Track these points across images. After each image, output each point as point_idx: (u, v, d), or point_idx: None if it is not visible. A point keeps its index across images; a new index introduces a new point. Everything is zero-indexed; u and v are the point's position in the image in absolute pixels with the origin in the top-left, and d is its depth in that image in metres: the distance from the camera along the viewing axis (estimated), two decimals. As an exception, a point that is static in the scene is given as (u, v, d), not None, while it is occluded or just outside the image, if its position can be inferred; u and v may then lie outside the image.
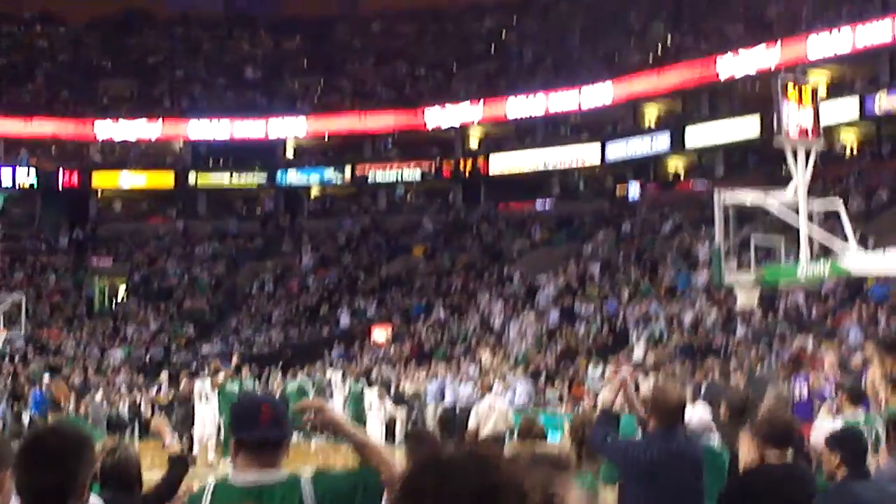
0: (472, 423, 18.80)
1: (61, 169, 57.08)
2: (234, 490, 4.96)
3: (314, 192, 59.93)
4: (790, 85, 17.82)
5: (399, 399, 32.88)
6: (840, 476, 6.94)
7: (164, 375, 35.69)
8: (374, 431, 26.30)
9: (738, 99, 49.38)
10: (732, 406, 10.46)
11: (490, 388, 20.15)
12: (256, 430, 4.93)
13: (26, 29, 64.17)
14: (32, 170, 56.03)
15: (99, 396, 35.38)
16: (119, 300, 53.20)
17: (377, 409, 27.22)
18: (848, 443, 7.31)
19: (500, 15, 62.32)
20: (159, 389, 35.21)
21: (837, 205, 18.96)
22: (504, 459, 3.19)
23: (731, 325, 33.30)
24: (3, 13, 62.67)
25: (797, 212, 17.80)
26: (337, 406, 32.18)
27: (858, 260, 17.97)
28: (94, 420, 30.42)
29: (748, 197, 19.14)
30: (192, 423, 26.84)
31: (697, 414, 11.94)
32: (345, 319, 47.81)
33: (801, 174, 17.64)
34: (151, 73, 62.82)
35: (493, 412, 18.51)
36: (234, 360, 29.93)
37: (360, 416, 31.13)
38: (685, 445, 7.72)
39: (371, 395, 27.01)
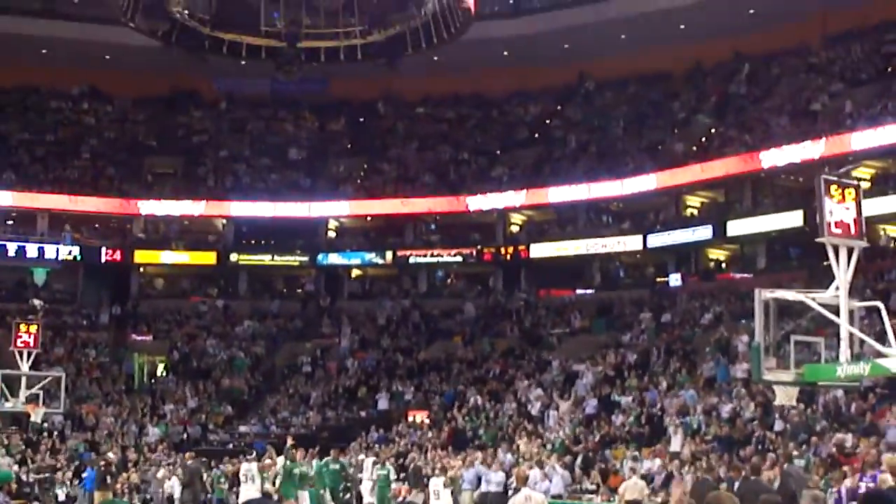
0: None
1: (104, 245, 57.45)
2: None
3: (355, 272, 60.06)
4: (833, 186, 17.78)
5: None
6: None
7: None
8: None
9: (781, 190, 49.36)
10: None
11: (525, 480, 19.88)
12: None
13: (74, 105, 64.85)
14: (76, 246, 56.39)
15: (161, 473, 35.46)
16: (158, 377, 53.32)
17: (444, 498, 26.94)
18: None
19: (545, 102, 62.57)
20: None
21: (879, 305, 18.82)
22: None
23: (769, 419, 32.99)
24: (51, 89, 63.42)
25: (838, 311, 17.70)
26: (365, 490, 32.19)
27: (899, 360, 17.81)
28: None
29: (789, 294, 19.04)
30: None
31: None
32: (383, 402, 47.76)
33: (843, 273, 17.54)
34: (196, 151, 63.35)
35: (529, 502, 18.26)
36: (290, 440, 29.98)
37: (385, 501, 31.09)
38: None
39: (437, 484, 26.80)
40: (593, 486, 31.85)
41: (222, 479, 36.00)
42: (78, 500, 34.51)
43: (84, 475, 35.34)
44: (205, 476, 35.15)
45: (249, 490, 28.04)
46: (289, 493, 27.50)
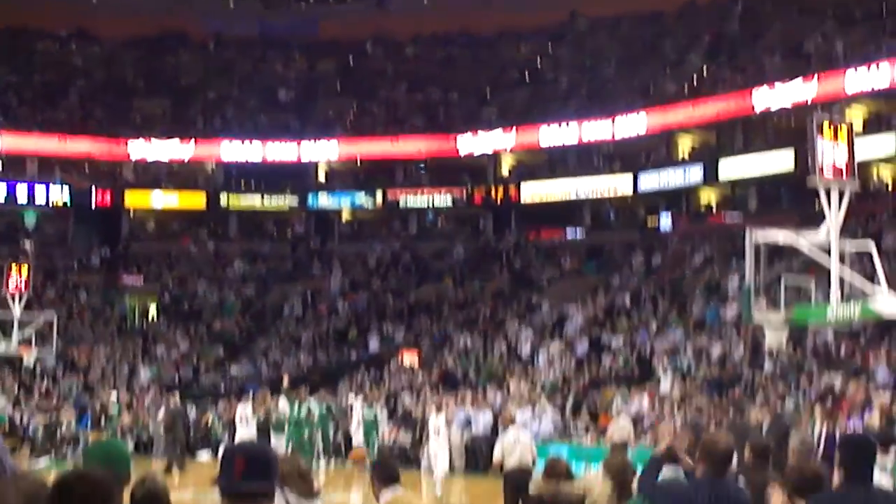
0: (496, 455, 18.75)
1: (94, 188, 57.34)
2: None
3: (345, 215, 60.03)
4: (825, 124, 17.75)
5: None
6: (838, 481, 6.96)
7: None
8: (441, 459, 26.16)
9: (773, 132, 49.25)
10: (756, 450, 10.44)
11: (513, 421, 20.05)
12: (228, 481, 4.93)
13: (62, 47, 64.50)
14: (65, 188, 56.29)
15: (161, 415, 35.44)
16: (149, 320, 53.38)
17: (444, 436, 26.97)
18: (850, 448, 7.29)
19: (536, 42, 62.29)
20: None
21: (870, 246, 18.85)
22: None
23: (759, 360, 33.15)
24: (39, 31, 63.01)
25: (829, 251, 17.72)
26: (354, 432, 32.26)
27: (889, 303, 17.86)
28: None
29: (780, 236, 19.07)
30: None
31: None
32: (373, 344, 47.85)
33: (834, 215, 17.57)
34: (185, 93, 63.04)
35: (517, 445, 18.43)
36: (286, 381, 30.04)
37: (371, 442, 31.19)
38: (734, 493, 7.70)
39: (438, 421, 26.83)
40: (583, 427, 32.05)
41: (217, 422, 36.17)
42: (80, 441, 34.52)
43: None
44: (192, 418, 35.30)
45: (246, 432, 28.25)
46: (298, 435, 27.71)
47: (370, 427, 31.39)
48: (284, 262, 57.40)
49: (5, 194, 55.46)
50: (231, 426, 32.73)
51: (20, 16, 60.38)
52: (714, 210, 52.39)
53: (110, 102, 61.06)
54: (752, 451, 10.48)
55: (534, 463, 18.11)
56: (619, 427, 27.11)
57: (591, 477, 11.67)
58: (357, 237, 59.15)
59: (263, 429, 28.78)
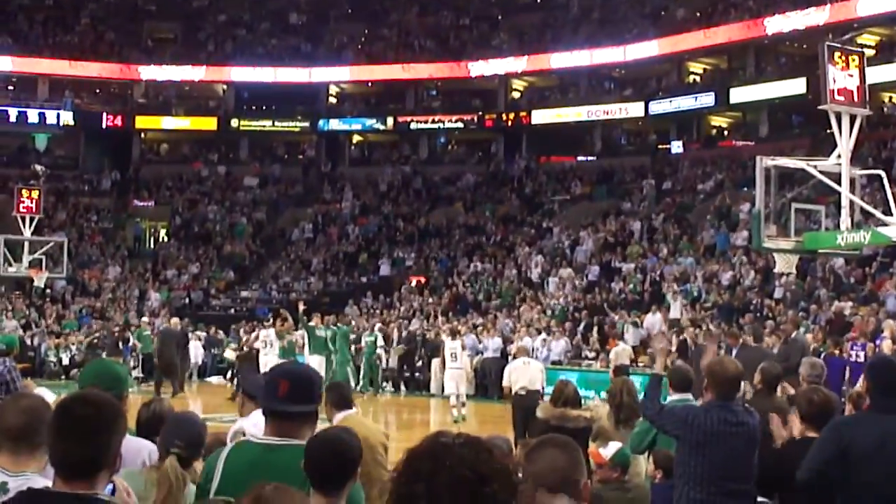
0: (505, 380, 18.91)
1: (105, 111, 57.34)
2: (255, 445, 5.29)
3: (356, 139, 60.00)
4: (837, 51, 17.66)
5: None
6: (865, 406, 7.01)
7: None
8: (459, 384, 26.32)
9: (785, 57, 49.06)
10: (767, 378, 10.49)
11: (526, 352, 20.19)
12: (272, 402, 5.26)
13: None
14: (77, 111, 56.26)
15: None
16: (160, 243, 53.55)
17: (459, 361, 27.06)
18: (880, 370, 7.35)
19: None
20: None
21: (881, 173, 18.83)
22: (496, 447, 3.33)
23: (769, 287, 33.22)
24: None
25: (840, 178, 17.70)
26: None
27: (899, 229, 17.86)
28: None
29: (790, 162, 19.04)
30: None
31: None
32: (384, 268, 47.98)
33: (846, 141, 17.52)
34: (196, 16, 62.72)
35: (526, 368, 18.61)
36: (301, 305, 29.91)
37: (373, 367, 31.26)
38: (743, 416, 7.75)
39: (454, 346, 26.89)
40: (592, 354, 32.23)
41: (232, 345, 36.33)
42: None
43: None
44: (192, 341, 35.32)
45: (270, 355, 28.37)
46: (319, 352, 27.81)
47: (371, 352, 31.40)
48: (295, 186, 57.43)
49: (16, 116, 55.47)
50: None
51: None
52: (725, 135, 52.33)
53: (121, 25, 60.77)
54: (763, 380, 10.54)
55: (543, 388, 18.21)
56: (620, 350, 27.34)
57: (599, 402, 11.80)
58: (368, 161, 59.23)
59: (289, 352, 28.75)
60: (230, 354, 36.06)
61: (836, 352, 21.73)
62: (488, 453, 3.29)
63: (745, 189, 36.60)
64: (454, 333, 28.11)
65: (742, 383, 8.80)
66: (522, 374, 18.38)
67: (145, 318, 35.74)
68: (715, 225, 40.75)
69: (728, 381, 7.88)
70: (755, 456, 7.73)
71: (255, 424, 7.18)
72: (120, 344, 32.57)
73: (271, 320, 32.69)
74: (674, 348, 26.02)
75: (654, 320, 32.47)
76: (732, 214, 40.21)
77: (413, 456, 3.31)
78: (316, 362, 26.26)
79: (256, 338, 31.28)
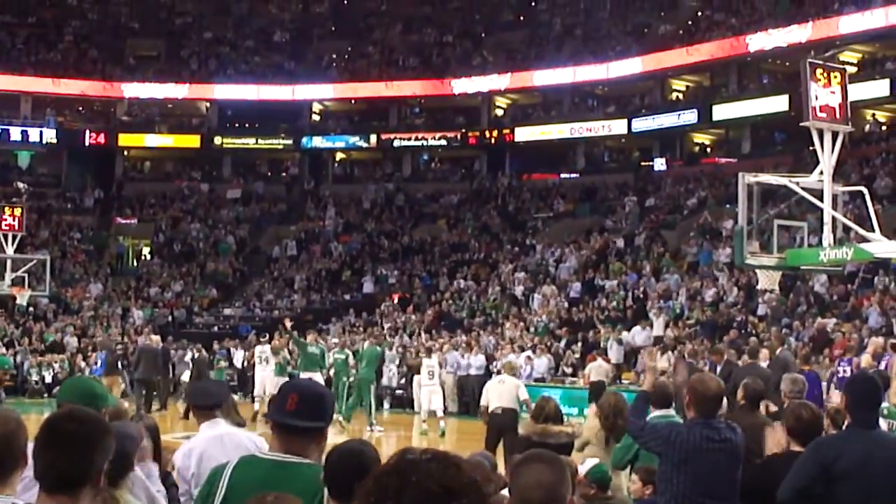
0: (483, 399, 18.85)
1: (88, 128, 57.31)
2: (263, 460, 5.33)
3: (339, 156, 60.06)
4: (819, 69, 17.73)
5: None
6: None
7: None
8: (435, 400, 26.47)
9: (768, 74, 49.23)
10: (750, 394, 10.50)
11: (513, 370, 20.30)
12: (281, 416, 5.26)
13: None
14: (59, 128, 56.23)
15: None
16: (142, 260, 53.44)
17: (437, 377, 27.11)
18: (857, 388, 7.36)
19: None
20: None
21: (863, 190, 18.89)
22: (465, 462, 3.34)
23: (753, 304, 33.29)
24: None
25: (822, 195, 17.75)
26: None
27: (882, 246, 17.93)
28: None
29: (772, 179, 19.09)
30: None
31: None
32: (367, 286, 47.94)
33: (828, 158, 17.57)
34: (179, 34, 62.76)
35: (502, 387, 18.61)
36: (287, 322, 29.82)
37: (341, 386, 30.63)
38: (726, 433, 7.75)
39: (431, 363, 26.93)
40: (570, 370, 32.28)
41: (221, 361, 36.20)
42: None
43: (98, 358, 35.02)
44: (173, 357, 35.16)
45: (265, 371, 28.63)
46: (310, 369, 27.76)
47: (341, 370, 30.81)
48: (278, 204, 57.40)
49: (0, 135, 55.36)
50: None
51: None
52: (708, 152, 52.49)
53: (105, 43, 60.76)
54: (745, 395, 10.56)
55: (522, 406, 18.23)
56: (597, 366, 27.52)
57: (590, 415, 11.78)
58: (351, 178, 59.25)
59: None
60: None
61: (810, 368, 21.72)
62: (456, 468, 3.29)
63: (728, 206, 36.67)
64: (429, 351, 28.23)
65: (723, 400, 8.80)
66: (498, 393, 18.34)
67: (155, 337, 35.51)
68: (698, 242, 40.82)
69: (710, 399, 7.89)
70: (738, 472, 7.73)
71: (206, 439, 7.14)
72: (119, 363, 32.51)
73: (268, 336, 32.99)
74: (661, 365, 26.03)
75: (642, 335, 32.55)
76: (715, 231, 40.29)
77: (381, 473, 3.33)
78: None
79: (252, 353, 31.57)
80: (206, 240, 53.87)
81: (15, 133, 55.71)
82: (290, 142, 58.69)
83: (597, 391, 27.57)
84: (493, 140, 55.60)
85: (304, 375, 26.35)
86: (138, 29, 62.56)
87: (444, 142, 56.77)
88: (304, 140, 58.39)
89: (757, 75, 49.84)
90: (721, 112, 49.04)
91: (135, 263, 53.17)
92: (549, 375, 31.69)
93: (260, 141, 58.79)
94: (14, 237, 35.92)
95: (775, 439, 7.91)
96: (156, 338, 34.57)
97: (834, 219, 17.78)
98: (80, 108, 59.04)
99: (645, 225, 45.30)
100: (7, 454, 4.47)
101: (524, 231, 49.37)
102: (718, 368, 19.51)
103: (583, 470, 8.23)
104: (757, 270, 19.42)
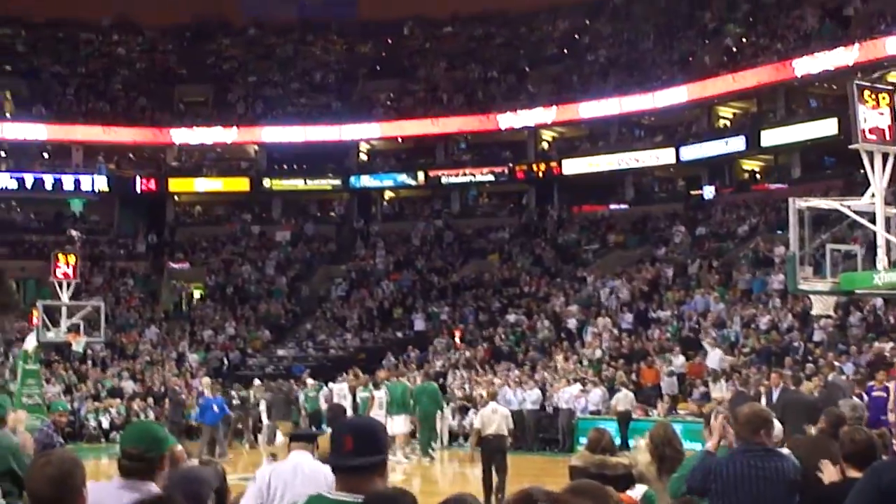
0: (475, 425, 20.96)
1: (138, 175, 57.85)
2: (329, 501, 5.31)
3: (387, 195, 60.23)
4: (866, 90, 17.63)
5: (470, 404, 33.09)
6: None
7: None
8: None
9: (815, 98, 48.97)
10: (832, 421, 10.42)
11: (494, 397, 23.65)
12: (339, 459, 5.28)
13: (104, 37, 64.96)
14: (111, 176, 56.83)
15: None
16: (195, 304, 53.69)
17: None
18: None
19: (573, 17, 62.06)
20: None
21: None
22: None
23: (808, 330, 33.01)
24: (81, 22, 63.44)
25: (875, 217, 17.62)
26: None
27: (937, 267, 17.75)
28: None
29: (823, 203, 18.97)
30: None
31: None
32: (419, 323, 47.91)
33: (878, 179, 17.45)
34: (226, 78, 63.37)
35: (494, 415, 20.32)
36: (353, 371, 30.06)
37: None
38: (773, 461, 7.68)
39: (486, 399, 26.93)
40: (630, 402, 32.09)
41: (312, 393, 35.84)
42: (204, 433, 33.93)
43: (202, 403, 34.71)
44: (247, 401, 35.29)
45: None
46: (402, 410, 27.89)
47: (364, 410, 30.47)
48: (328, 243, 57.59)
49: (52, 183, 55.99)
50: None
51: (63, 7, 60.69)
52: (758, 178, 52.22)
53: (153, 90, 61.39)
54: (828, 421, 10.50)
55: (510, 433, 20.64)
56: (623, 396, 27.87)
57: (640, 446, 11.71)
58: (400, 216, 59.37)
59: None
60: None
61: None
62: None
63: (780, 232, 36.43)
64: (485, 386, 28.47)
65: (776, 425, 8.73)
66: (491, 420, 20.17)
67: (312, 381, 35.55)
68: (750, 269, 40.56)
69: (754, 426, 7.83)
70: (790, 498, 7.65)
71: (287, 463, 7.43)
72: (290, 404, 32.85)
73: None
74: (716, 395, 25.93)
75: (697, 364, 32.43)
76: (767, 257, 40.04)
77: None
78: (400, 420, 26.84)
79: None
80: (258, 281, 54.11)
81: (68, 182, 56.32)
82: (338, 182, 58.98)
83: (624, 420, 27.95)
84: (540, 173, 55.57)
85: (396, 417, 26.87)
86: (186, 75, 63.22)
87: (491, 177, 56.84)
88: (353, 179, 58.67)
89: (804, 99, 49.61)
90: (769, 138, 48.75)
91: (188, 307, 53.42)
92: (603, 408, 31.49)
93: (308, 182, 59.11)
94: (69, 285, 36.14)
95: (829, 469, 7.82)
96: (207, 380, 34.74)
97: (887, 241, 17.64)
98: (131, 155, 59.61)
99: (696, 254, 45.07)
100: (65, 493, 4.53)
101: (575, 263, 49.22)
102: (775, 396, 19.32)
103: (635, 496, 8.18)
104: (811, 296, 19.26)
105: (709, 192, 51.35)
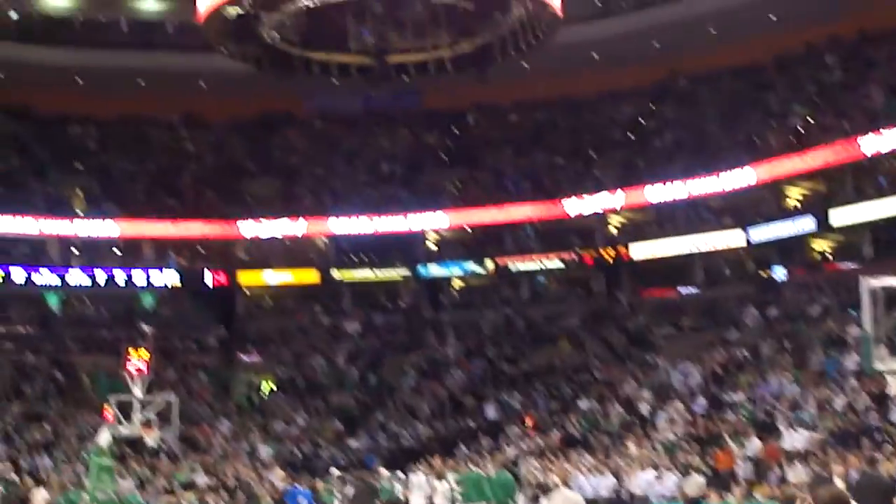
0: None
1: (208, 268, 58.35)
2: None
3: (456, 283, 60.31)
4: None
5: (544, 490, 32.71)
6: None
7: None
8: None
9: (884, 175, 48.63)
10: (885, 500, 10.25)
11: (567, 484, 22.21)
12: None
13: (172, 133, 65.84)
14: (181, 271, 57.40)
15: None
16: (267, 396, 53.82)
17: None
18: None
19: (636, 101, 62.15)
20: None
21: None
22: None
23: (885, 410, 32.52)
24: (150, 119, 64.36)
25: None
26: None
27: None
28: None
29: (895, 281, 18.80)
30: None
31: None
32: (491, 411, 47.75)
33: (951, 257, 17.28)
34: (293, 171, 63.91)
35: (568, 502, 18.71)
36: (429, 461, 29.89)
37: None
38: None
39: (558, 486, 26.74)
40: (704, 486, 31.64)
41: (387, 484, 35.73)
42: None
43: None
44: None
45: (421, 500, 28.60)
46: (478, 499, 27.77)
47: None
48: (398, 333, 57.65)
49: (124, 279, 56.58)
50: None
51: (131, 105, 61.56)
52: (828, 258, 51.80)
53: (221, 184, 61.99)
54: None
55: None
56: (692, 481, 27.38)
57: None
58: (469, 304, 59.33)
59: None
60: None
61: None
62: None
63: (853, 312, 36.05)
64: (558, 473, 28.14)
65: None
66: None
67: (385, 471, 35.58)
68: (824, 350, 40.16)
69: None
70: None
71: None
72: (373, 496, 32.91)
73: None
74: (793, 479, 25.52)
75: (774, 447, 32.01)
76: (841, 338, 39.62)
77: None
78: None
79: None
80: (329, 373, 54.19)
81: (139, 277, 56.91)
82: (406, 271, 59.14)
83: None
84: (609, 258, 55.50)
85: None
86: (253, 169, 63.82)
87: (560, 263, 56.84)
88: (421, 269, 58.86)
89: (873, 177, 49.26)
90: (839, 217, 48.44)
91: (259, 399, 53.56)
92: (679, 494, 31.09)
93: (377, 272, 59.34)
94: (141, 379, 36.38)
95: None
96: (280, 472, 34.73)
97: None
98: (201, 249, 60.14)
99: (768, 335, 44.70)
100: None
101: (645, 348, 48.99)
102: (853, 477, 19.02)
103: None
104: (887, 376, 19.02)
105: (780, 272, 51.03)
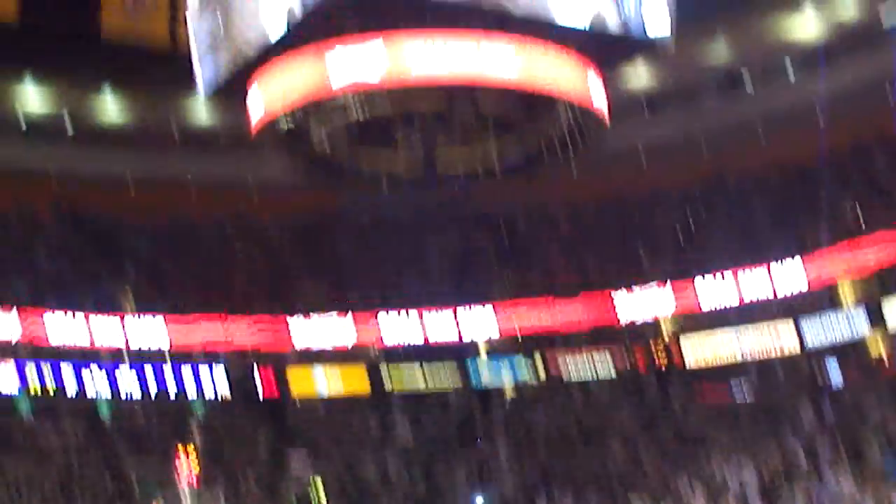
0: None
1: (259, 377, 58.25)
2: None
3: (508, 390, 60.01)
4: None
5: None
6: None
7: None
8: None
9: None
10: None
11: None
12: None
13: (222, 234, 66.06)
14: (231, 379, 57.38)
15: None
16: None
17: None
18: None
19: (685, 202, 62.12)
20: None
21: None
22: None
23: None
24: (200, 221, 64.58)
25: None
26: None
27: None
28: None
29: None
30: None
31: None
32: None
33: None
34: (343, 272, 63.92)
35: None
36: None
37: None
38: None
39: None
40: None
41: None
42: None
43: None
44: None
45: None
46: None
47: None
48: (450, 441, 57.27)
49: (175, 391, 56.50)
50: None
51: (182, 206, 62.06)
52: (886, 361, 51.32)
53: (271, 286, 62.05)
54: None
55: None
56: None
57: None
58: (521, 410, 58.97)
59: None
60: None
61: None
62: None
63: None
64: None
65: None
66: None
67: None
68: (883, 451, 39.89)
69: None
70: None
71: None
72: None
73: None
74: None
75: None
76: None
77: None
78: None
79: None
80: (380, 480, 53.85)
81: (189, 386, 56.83)
82: (458, 377, 58.92)
83: None
84: (661, 364, 55.36)
85: None
86: (303, 270, 63.89)
87: (611, 366, 56.57)
88: (472, 375, 58.66)
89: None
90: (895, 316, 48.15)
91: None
92: None
93: (428, 379, 59.17)
94: (193, 490, 36.38)
95: None
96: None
97: None
98: (251, 357, 60.05)
99: (826, 438, 44.30)
100: None
101: (699, 451, 48.59)
102: None
103: None
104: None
105: (835, 375, 50.72)
